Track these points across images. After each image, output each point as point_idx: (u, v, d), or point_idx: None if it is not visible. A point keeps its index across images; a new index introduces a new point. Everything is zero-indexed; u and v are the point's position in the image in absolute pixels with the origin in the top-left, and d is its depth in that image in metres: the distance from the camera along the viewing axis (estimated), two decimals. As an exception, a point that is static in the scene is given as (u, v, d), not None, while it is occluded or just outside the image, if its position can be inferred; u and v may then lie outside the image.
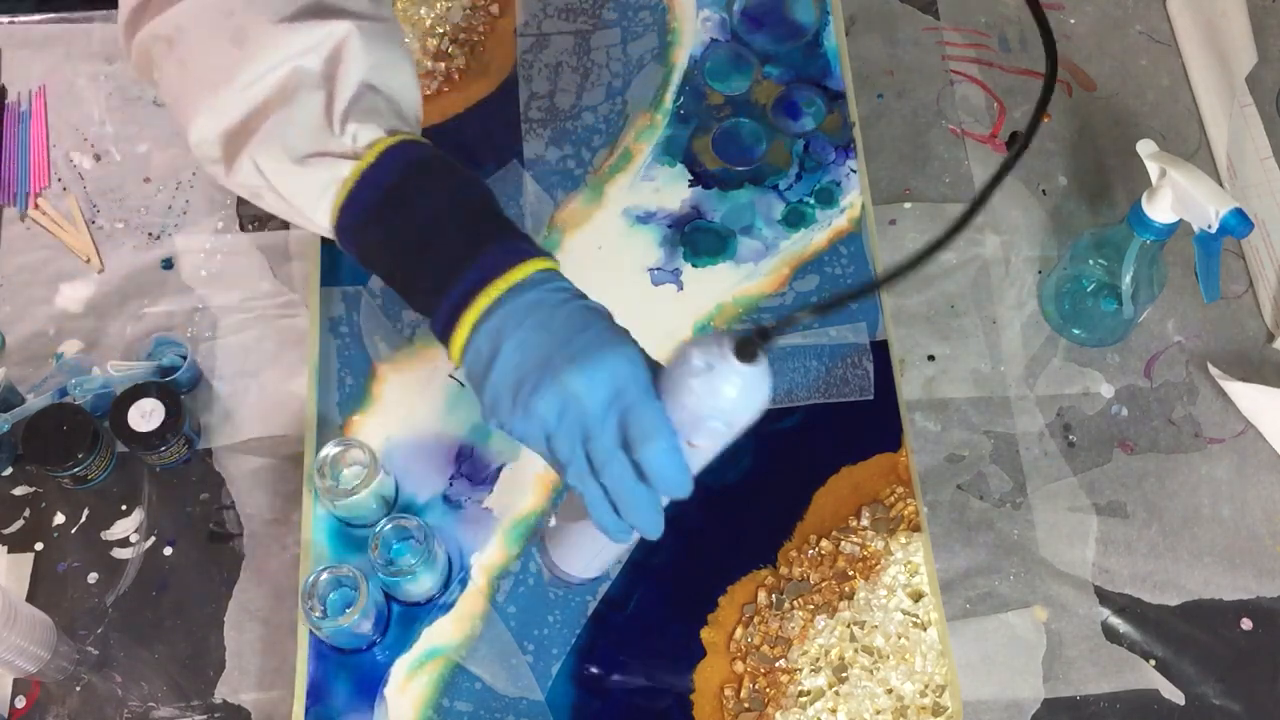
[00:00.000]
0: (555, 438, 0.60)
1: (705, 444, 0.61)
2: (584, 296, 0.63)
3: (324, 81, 0.65)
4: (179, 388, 0.90)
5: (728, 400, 0.58)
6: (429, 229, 0.62)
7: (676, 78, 1.03)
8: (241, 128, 0.65)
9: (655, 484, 0.61)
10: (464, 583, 0.86)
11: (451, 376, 0.89)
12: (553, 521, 0.74)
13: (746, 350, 0.57)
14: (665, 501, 0.63)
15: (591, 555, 0.73)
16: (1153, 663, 0.86)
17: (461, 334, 0.61)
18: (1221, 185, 1.01)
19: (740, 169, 0.99)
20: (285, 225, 0.99)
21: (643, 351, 0.62)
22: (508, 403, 0.60)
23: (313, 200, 0.65)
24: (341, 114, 0.64)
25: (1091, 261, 0.92)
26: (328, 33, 0.65)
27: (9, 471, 0.90)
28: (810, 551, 0.87)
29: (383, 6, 0.70)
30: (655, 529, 0.63)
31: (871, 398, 0.91)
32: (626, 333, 0.62)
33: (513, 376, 0.60)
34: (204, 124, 0.66)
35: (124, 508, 0.89)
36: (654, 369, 0.61)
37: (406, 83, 0.69)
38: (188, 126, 0.66)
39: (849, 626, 0.85)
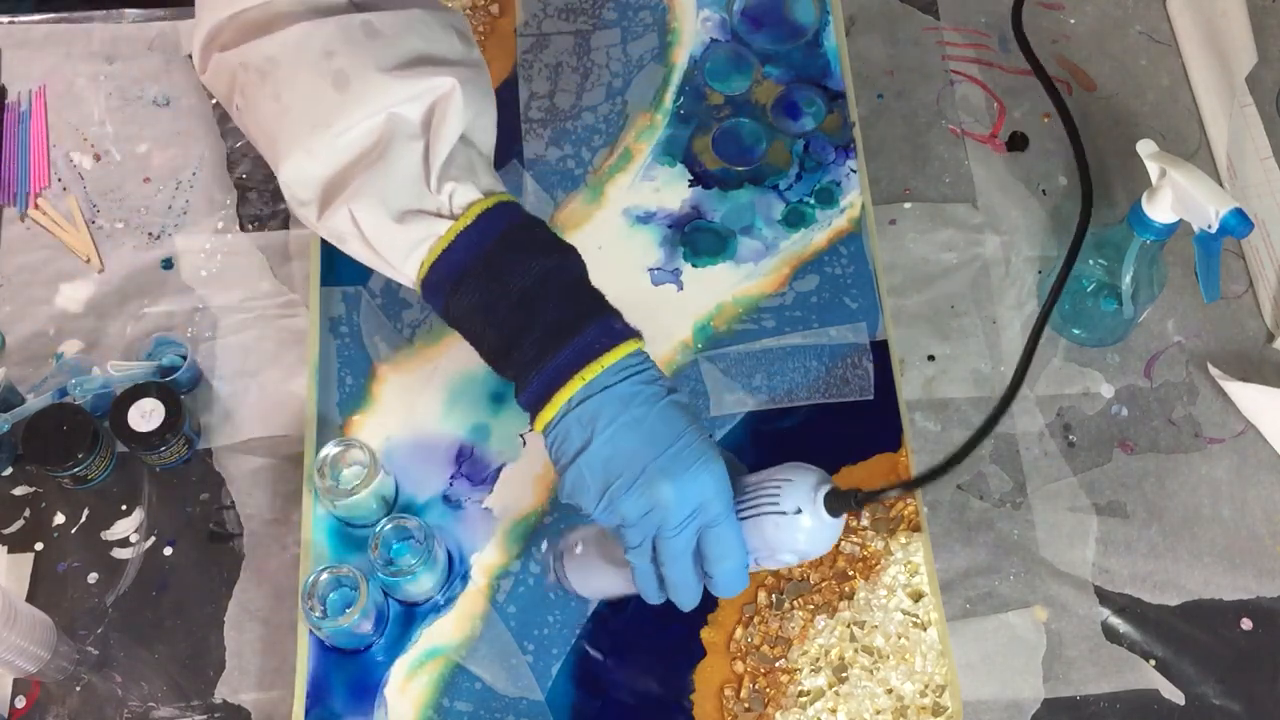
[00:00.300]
0: (631, 529, 0.63)
1: (769, 566, 0.65)
2: (673, 388, 0.65)
3: (422, 132, 0.65)
4: (179, 388, 0.90)
5: (806, 542, 0.62)
6: (524, 300, 0.62)
7: (676, 78, 1.03)
8: (339, 176, 0.65)
9: (713, 589, 0.65)
10: (464, 583, 0.86)
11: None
12: (579, 549, 0.76)
13: (838, 506, 0.60)
14: None
15: (610, 590, 0.76)
16: (1153, 663, 0.86)
17: (551, 412, 0.63)
18: (1221, 185, 1.01)
19: (740, 169, 0.99)
20: (285, 225, 0.99)
21: (726, 463, 0.64)
22: (593, 493, 0.63)
23: (403, 255, 0.65)
24: (439, 171, 0.64)
25: (1091, 261, 0.92)
26: (430, 86, 0.64)
27: (9, 471, 0.90)
28: (810, 551, 0.87)
29: (473, 49, 0.69)
30: (689, 607, 0.67)
31: (871, 398, 0.91)
32: (713, 442, 0.64)
33: (601, 471, 0.62)
34: (298, 165, 0.65)
35: (124, 508, 0.89)
36: (733, 474, 0.64)
37: (490, 128, 0.69)
38: (279, 164, 0.66)
39: (849, 626, 0.85)
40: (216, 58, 0.68)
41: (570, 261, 0.65)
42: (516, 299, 0.62)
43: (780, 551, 0.63)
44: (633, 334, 0.64)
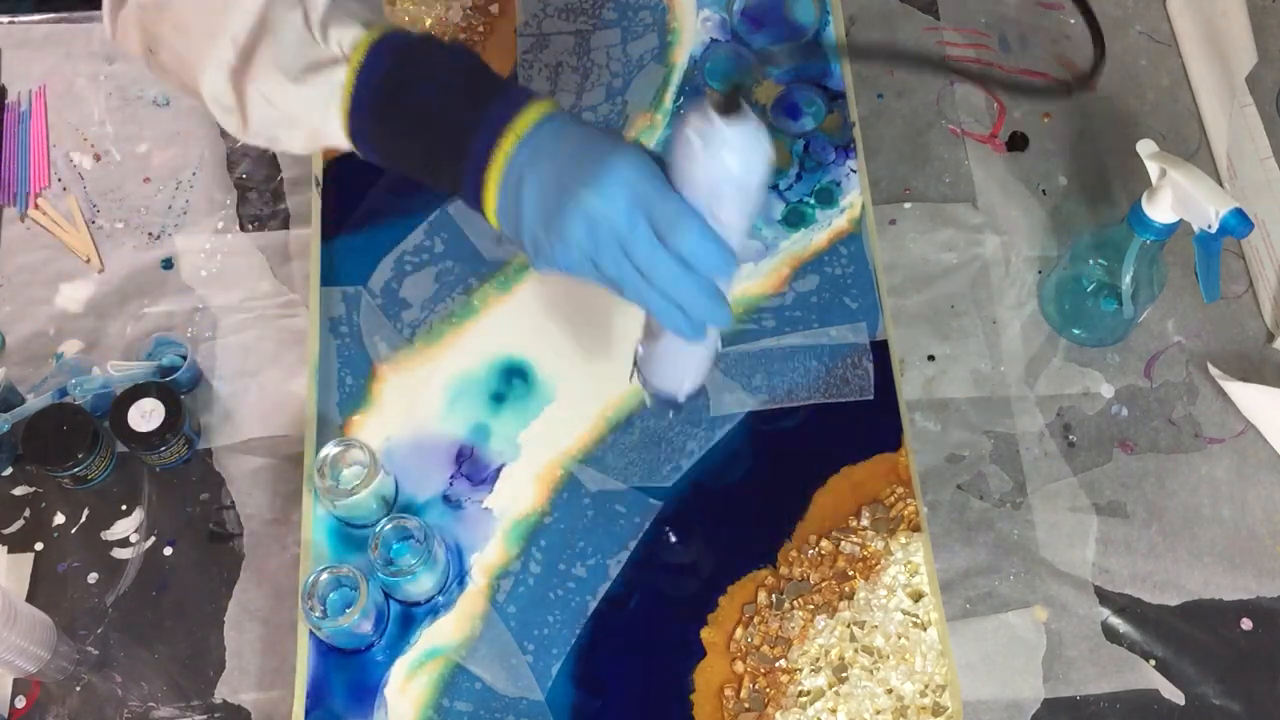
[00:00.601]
0: (599, 259, 0.63)
1: (730, 217, 0.63)
2: (585, 124, 0.65)
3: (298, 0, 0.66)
4: (179, 388, 0.90)
5: (731, 163, 0.60)
6: (432, 108, 0.64)
7: (676, 78, 1.03)
8: (240, 67, 0.66)
9: (700, 266, 0.63)
10: (464, 583, 0.86)
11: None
12: (640, 350, 0.77)
13: (728, 107, 0.59)
14: (725, 288, 0.65)
15: (682, 367, 0.76)
16: (1153, 663, 0.86)
17: (490, 196, 0.64)
18: (1221, 185, 1.01)
19: (740, 169, 0.99)
20: (285, 225, 0.99)
21: (648, 151, 0.63)
22: (544, 240, 0.63)
23: (320, 114, 0.67)
24: (320, 24, 0.66)
25: (1091, 261, 0.92)
26: None
27: (9, 471, 0.90)
28: (810, 551, 0.87)
29: None
30: (719, 315, 0.65)
31: (871, 398, 0.91)
32: (632, 142, 0.64)
33: (539, 214, 0.63)
34: (211, 76, 0.67)
35: (124, 508, 0.89)
36: (662, 163, 0.63)
37: None
38: (198, 85, 0.67)
39: (849, 626, 0.85)
40: (121, 14, 0.70)
41: (462, 58, 0.66)
42: (424, 112, 0.64)
43: (720, 187, 0.61)
44: (539, 96, 0.65)
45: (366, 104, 0.66)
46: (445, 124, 0.65)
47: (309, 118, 0.67)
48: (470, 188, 0.65)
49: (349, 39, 0.66)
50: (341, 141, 0.68)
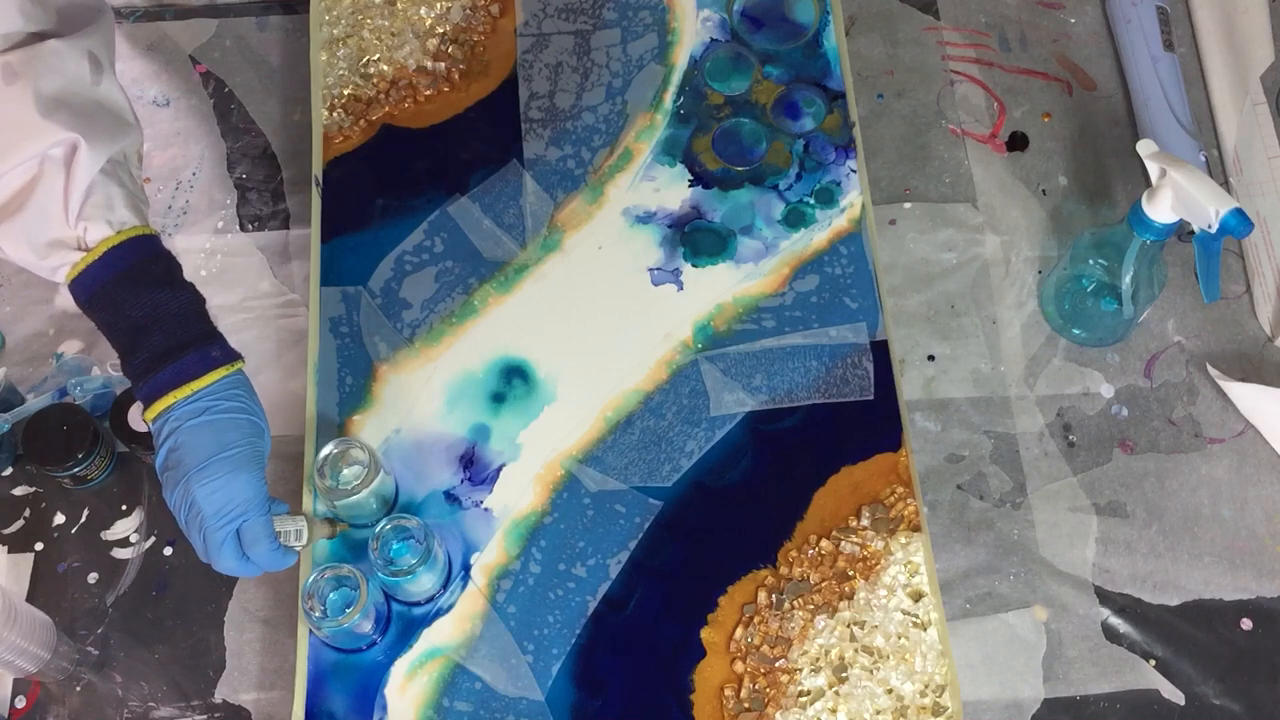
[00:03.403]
0: (186, 522, 0.76)
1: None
2: (251, 411, 0.78)
3: (65, 170, 0.74)
4: (179, 388, 0.90)
5: None
6: (135, 328, 0.75)
7: (676, 78, 1.03)
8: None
9: (259, 567, 0.78)
10: (464, 583, 0.86)
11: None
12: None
13: None
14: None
15: None
16: (1153, 663, 0.86)
17: (149, 416, 0.76)
18: (1227, 180, 1.01)
19: (740, 169, 0.99)
20: (285, 225, 0.99)
21: (262, 471, 0.78)
22: (162, 485, 0.77)
23: (49, 275, 0.77)
24: (76, 211, 0.75)
25: (1091, 261, 0.92)
26: (57, 139, 0.73)
27: (9, 471, 0.90)
28: (810, 551, 0.87)
29: (101, 76, 0.78)
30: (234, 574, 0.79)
31: (871, 398, 0.91)
32: (255, 455, 0.77)
33: (162, 467, 0.76)
34: None
35: (124, 508, 0.89)
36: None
37: (132, 142, 0.79)
38: None
39: (849, 626, 0.85)
40: None
41: (180, 297, 0.76)
42: (129, 326, 0.75)
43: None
44: (224, 362, 0.77)
45: (86, 292, 0.75)
46: (140, 348, 0.75)
47: (36, 272, 0.77)
48: (142, 399, 0.76)
49: (96, 235, 0.75)
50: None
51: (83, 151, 0.74)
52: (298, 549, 0.80)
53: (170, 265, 0.78)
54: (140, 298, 0.75)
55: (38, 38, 0.75)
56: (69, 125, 0.73)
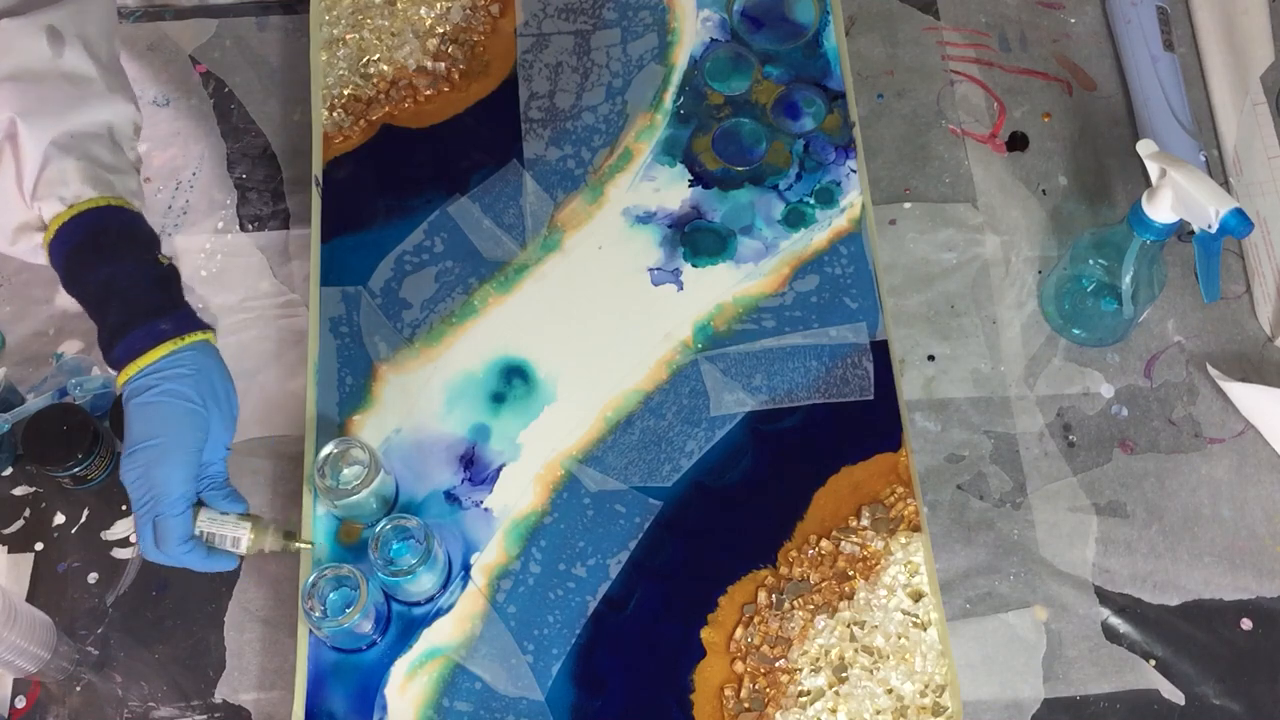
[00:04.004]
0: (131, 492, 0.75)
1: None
2: (187, 391, 0.75)
3: (13, 154, 0.74)
4: (179, 388, 0.90)
5: None
6: (94, 301, 0.75)
7: (676, 78, 1.03)
8: None
9: (169, 562, 0.76)
10: (464, 583, 0.86)
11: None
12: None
13: None
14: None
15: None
16: (1153, 663, 0.86)
17: (118, 387, 0.76)
18: (1227, 180, 1.01)
19: (740, 169, 0.99)
20: (285, 225, 0.99)
21: (187, 467, 0.75)
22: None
23: (30, 258, 0.77)
24: (30, 191, 0.74)
25: (1091, 261, 0.92)
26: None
27: (9, 471, 0.90)
28: (810, 551, 0.87)
29: (63, 48, 0.76)
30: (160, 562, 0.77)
31: (871, 398, 0.91)
32: (186, 446, 0.75)
33: (127, 434, 0.75)
34: None
35: (124, 508, 0.89)
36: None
37: (98, 107, 0.78)
38: None
39: (849, 626, 0.85)
40: None
41: (133, 268, 0.75)
42: (90, 301, 0.75)
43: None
44: (173, 335, 0.75)
45: (58, 268, 0.76)
46: (103, 317, 0.75)
47: (19, 256, 0.77)
48: (113, 365, 0.76)
49: (49, 211, 0.75)
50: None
51: (22, 129, 0.73)
52: (235, 553, 0.78)
53: (126, 236, 0.76)
54: (94, 272, 0.74)
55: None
56: (11, 104, 0.72)
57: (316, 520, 0.86)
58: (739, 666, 0.84)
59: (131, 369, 0.74)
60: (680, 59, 1.03)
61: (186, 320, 0.76)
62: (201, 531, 0.77)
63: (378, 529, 0.81)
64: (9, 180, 0.74)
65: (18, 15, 0.75)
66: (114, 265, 0.74)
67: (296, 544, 0.81)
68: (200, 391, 0.75)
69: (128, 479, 0.74)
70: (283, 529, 0.81)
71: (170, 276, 0.77)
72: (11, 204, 0.74)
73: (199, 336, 0.76)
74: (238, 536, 0.78)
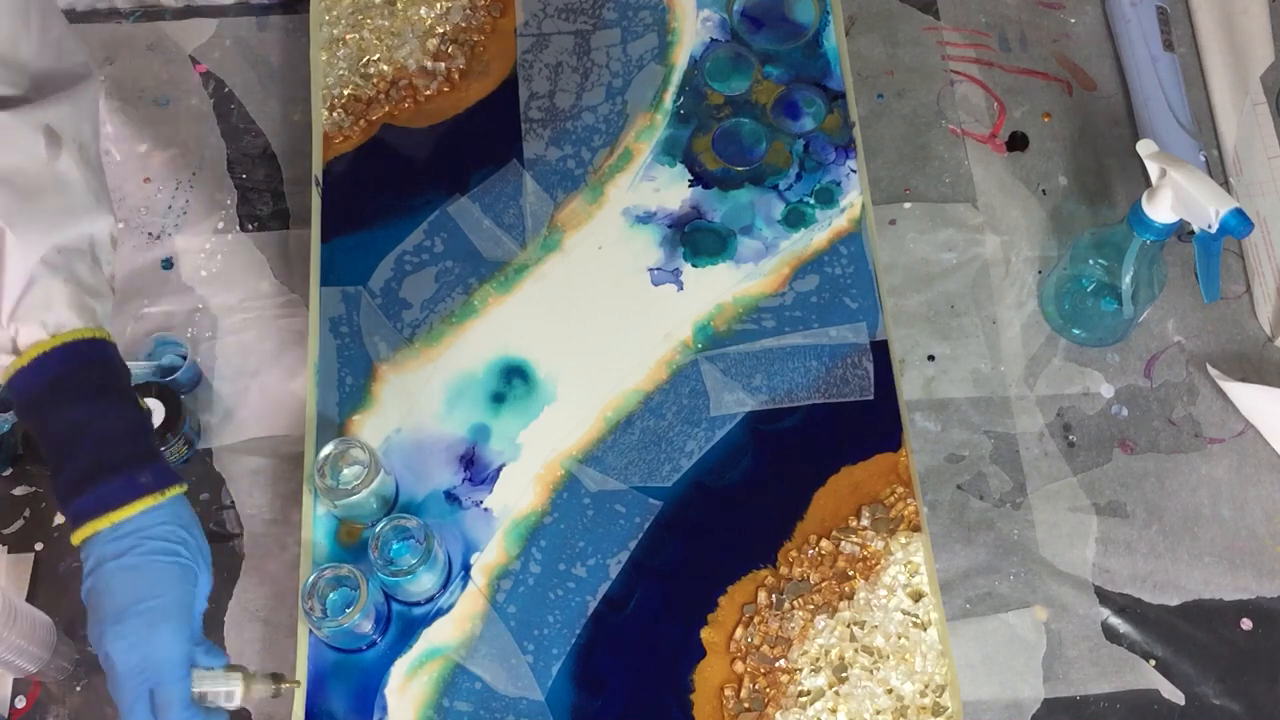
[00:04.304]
0: (104, 669, 0.68)
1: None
2: (176, 547, 0.69)
3: None
4: (179, 388, 0.90)
5: None
6: (59, 445, 0.68)
7: (676, 78, 1.03)
8: None
9: None
10: (464, 583, 0.86)
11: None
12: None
13: None
14: None
15: None
16: (1153, 663, 0.86)
17: (75, 541, 0.68)
18: (1227, 180, 1.01)
19: (740, 169, 0.99)
20: (285, 225, 0.99)
21: (186, 627, 0.69)
22: (89, 626, 0.68)
23: None
24: (10, 311, 0.67)
25: (1091, 261, 0.92)
26: None
27: (9, 471, 0.90)
28: (810, 551, 0.87)
29: (59, 152, 0.70)
30: None
31: (871, 398, 0.91)
32: (179, 608, 0.69)
33: (84, 600, 0.68)
34: None
35: (124, 508, 0.89)
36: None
37: (88, 219, 0.71)
38: None
39: (849, 626, 0.85)
40: None
41: (112, 413, 0.69)
42: (56, 440, 0.68)
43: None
44: (154, 489, 0.68)
45: (16, 397, 0.68)
46: (64, 465, 0.67)
47: None
48: (69, 520, 0.68)
49: (27, 338, 0.68)
50: None
51: (10, 241, 0.66)
52: (227, 709, 0.72)
53: (109, 375, 0.70)
54: (68, 411, 0.68)
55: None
56: (1, 209, 0.66)
57: (316, 520, 0.86)
58: (739, 666, 0.84)
59: (101, 523, 0.67)
60: (680, 59, 1.03)
61: (164, 473, 0.69)
62: (198, 693, 0.70)
63: (378, 529, 0.81)
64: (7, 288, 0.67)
65: (16, 109, 0.68)
66: (89, 406, 0.68)
67: (286, 684, 0.75)
68: (188, 547, 0.70)
69: (115, 650, 0.66)
70: (268, 673, 0.74)
71: (147, 422, 0.71)
72: None
73: (176, 490, 0.70)
74: (231, 690, 0.71)
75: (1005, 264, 0.99)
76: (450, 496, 0.88)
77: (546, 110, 1.01)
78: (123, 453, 0.68)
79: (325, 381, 0.91)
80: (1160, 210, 0.84)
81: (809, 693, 0.83)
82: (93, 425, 0.68)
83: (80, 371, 0.68)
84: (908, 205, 1.01)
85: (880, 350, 0.93)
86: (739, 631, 0.85)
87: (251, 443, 0.92)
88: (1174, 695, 0.85)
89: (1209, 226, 0.81)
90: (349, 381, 0.91)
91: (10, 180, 0.67)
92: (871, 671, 0.83)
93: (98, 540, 0.67)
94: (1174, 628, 0.87)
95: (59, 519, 0.89)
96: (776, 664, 0.84)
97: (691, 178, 0.99)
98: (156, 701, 0.67)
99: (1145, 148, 0.84)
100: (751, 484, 0.89)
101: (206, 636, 0.85)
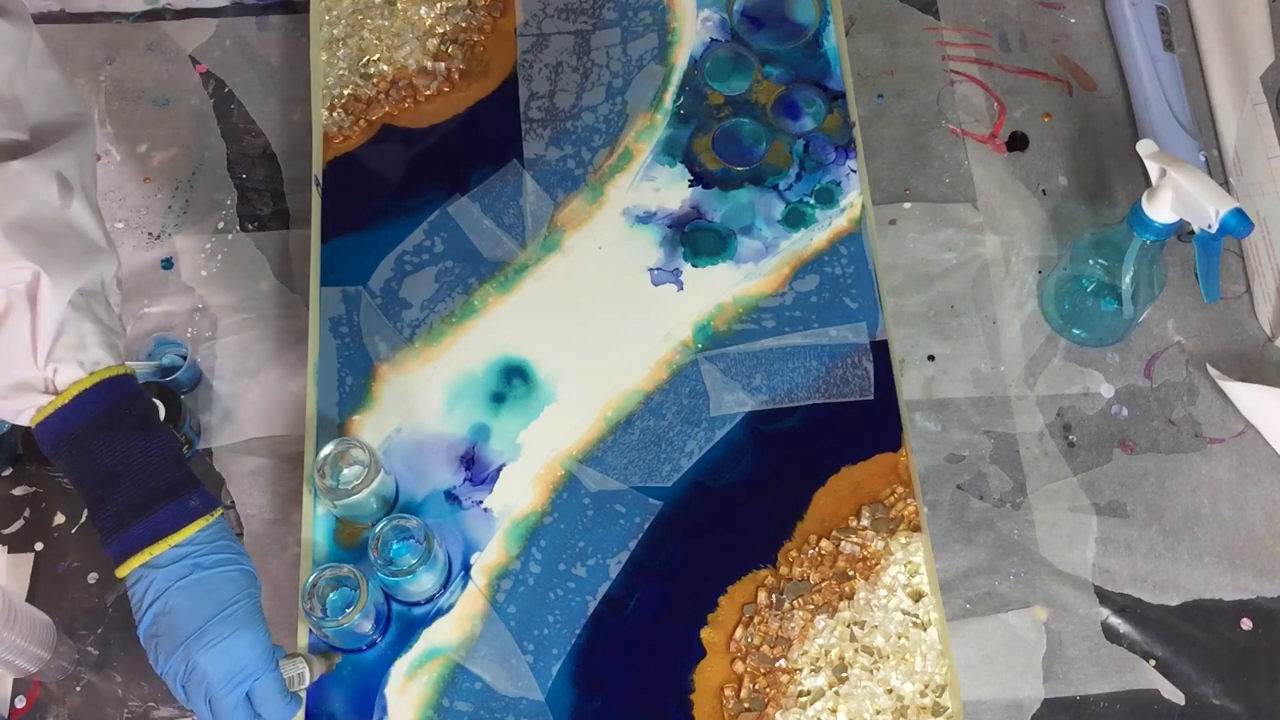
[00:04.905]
0: (186, 690, 0.70)
1: None
2: (235, 557, 0.72)
3: (30, 307, 0.68)
4: (179, 388, 0.90)
5: None
6: (106, 478, 0.69)
7: (676, 78, 1.03)
8: None
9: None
10: (464, 583, 0.86)
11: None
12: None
13: None
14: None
15: None
16: (1153, 663, 0.86)
17: (123, 573, 0.70)
18: (1227, 180, 1.01)
19: (740, 169, 0.99)
20: (285, 225, 0.99)
21: (264, 623, 0.73)
22: (150, 651, 0.70)
23: (11, 416, 0.70)
24: (46, 351, 0.68)
25: (1091, 261, 0.92)
26: (14, 275, 0.67)
27: (9, 471, 0.90)
28: (810, 551, 0.87)
29: (71, 198, 0.71)
30: None
31: (871, 398, 0.91)
32: (254, 608, 0.72)
33: (151, 632, 0.70)
34: None
35: (124, 508, 0.89)
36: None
37: (103, 269, 0.72)
38: None
39: (849, 626, 0.85)
40: None
41: (155, 443, 0.71)
42: (99, 475, 0.69)
43: None
44: (204, 511, 0.71)
45: (53, 436, 0.69)
46: (115, 496, 0.69)
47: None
48: (113, 552, 0.70)
49: (66, 377, 0.69)
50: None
51: (45, 285, 0.67)
52: (302, 693, 0.77)
53: (145, 408, 0.72)
54: (112, 445, 0.69)
55: (4, 153, 0.69)
56: (32, 254, 0.67)
57: (316, 520, 0.86)
58: (739, 666, 0.84)
59: (158, 547, 0.69)
60: (680, 59, 1.03)
61: (208, 496, 0.72)
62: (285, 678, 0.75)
63: (378, 529, 0.81)
64: (21, 337, 0.68)
65: (29, 157, 0.70)
66: (132, 439, 0.70)
67: (332, 658, 0.82)
68: (242, 554, 0.73)
69: (206, 661, 0.69)
70: (318, 653, 0.81)
71: (180, 449, 0.73)
72: (17, 362, 0.68)
73: (219, 511, 0.73)
74: (303, 672, 0.77)
75: (1005, 264, 0.99)
76: (450, 496, 0.88)
77: (546, 110, 1.01)
78: (170, 480, 0.70)
79: (325, 381, 0.91)
80: (1160, 210, 0.84)
81: (809, 693, 0.83)
82: (136, 457, 0.70)
83: (119, 406, 0.70)
84: (908, 205, 1.01)
85: (880, 350, 0.93)
86: (739, 631, 0.85)
87: (251, 443, 0.92)
88: (1174, 695, 0.86)
89: (1209, 226, 0.81)
90: (349, 381, 0.91)
91: (34, 227, 0.68)
92: (871, 671, 0.83)
93: (156, 567, 0.69)
94: (1174, 628, 0.87)
95: (59, 519, 0.89)
96: (776, 664, 0.84)
97: (691, 178, 0.99)
98: (256, 697, 0.71)
99: (1145, 148, 0.84)
100: (751, 484, 0.89)
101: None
